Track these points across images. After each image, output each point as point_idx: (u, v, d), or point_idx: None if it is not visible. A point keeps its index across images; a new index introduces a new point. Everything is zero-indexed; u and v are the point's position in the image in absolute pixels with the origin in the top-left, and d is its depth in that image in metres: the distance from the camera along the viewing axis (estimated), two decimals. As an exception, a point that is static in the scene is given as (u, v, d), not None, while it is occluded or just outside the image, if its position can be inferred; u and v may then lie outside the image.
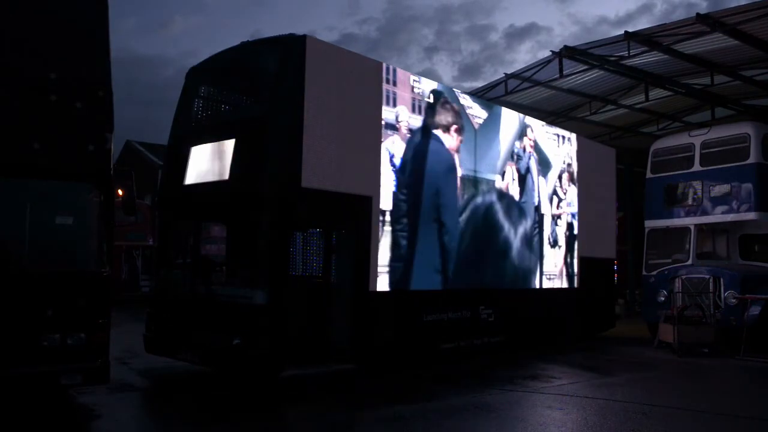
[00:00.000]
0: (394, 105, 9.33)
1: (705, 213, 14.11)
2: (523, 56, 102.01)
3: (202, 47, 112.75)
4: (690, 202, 14.42)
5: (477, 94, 15.10)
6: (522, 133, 11.94)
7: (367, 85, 9.06)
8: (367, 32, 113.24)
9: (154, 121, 77.89)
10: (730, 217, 13.81)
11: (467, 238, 10.42)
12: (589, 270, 13.62)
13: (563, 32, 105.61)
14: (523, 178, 11.85)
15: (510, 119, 11.74)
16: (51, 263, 6.51)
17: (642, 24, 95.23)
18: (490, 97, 15.66)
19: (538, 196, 12.25)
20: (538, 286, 12.19)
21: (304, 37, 8.26)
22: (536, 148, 12.28)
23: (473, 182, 10.61)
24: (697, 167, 14.42)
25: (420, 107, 9.79)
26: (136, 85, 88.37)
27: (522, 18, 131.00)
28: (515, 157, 11.65)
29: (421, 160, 9.69)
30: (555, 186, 12.76)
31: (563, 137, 13.26)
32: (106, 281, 6.64)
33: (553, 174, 12.73)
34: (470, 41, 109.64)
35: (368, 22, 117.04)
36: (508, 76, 16.07)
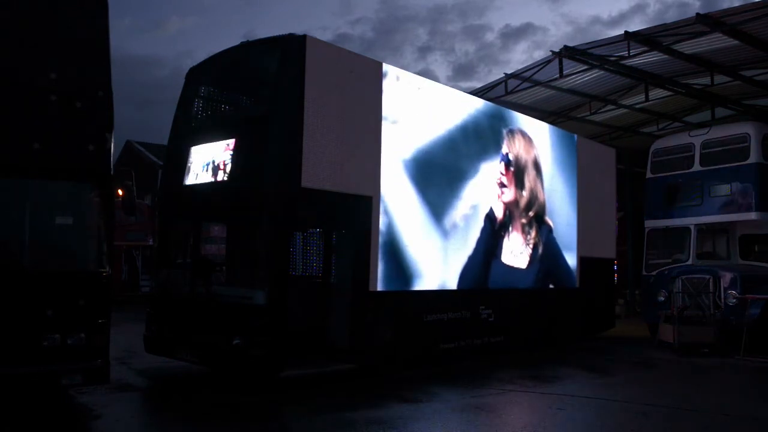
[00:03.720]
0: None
1: (705, 213, 14.10)
2: (518, 56, 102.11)
3: (197, 47, 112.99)
4: (690, 202, 14.42)
5: (477, 94, 15.10)
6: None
7: (367, 84, 9.06)
8: (361, 32, 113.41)
9: (150, 121, 78.05)
10: (730, 217, 13.81)
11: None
12: (589, 270, 13.62)
13: (557, 32, 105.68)
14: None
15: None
16: (51, 263, 6.50)
17: (635, 24, 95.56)
18: (490, 97, 15.65)
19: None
20: (537, 286, 12.18)
21: (303, 36, 8.25)
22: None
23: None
24: (697, 167, 14.42)
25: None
26: (132, 85, 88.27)
27: (514, 18, 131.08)
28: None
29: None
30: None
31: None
32: (106, 281, 6.64)
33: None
34: (465, 41, 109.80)
35: (362, 22, 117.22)
36: (508, 76, 16.06)
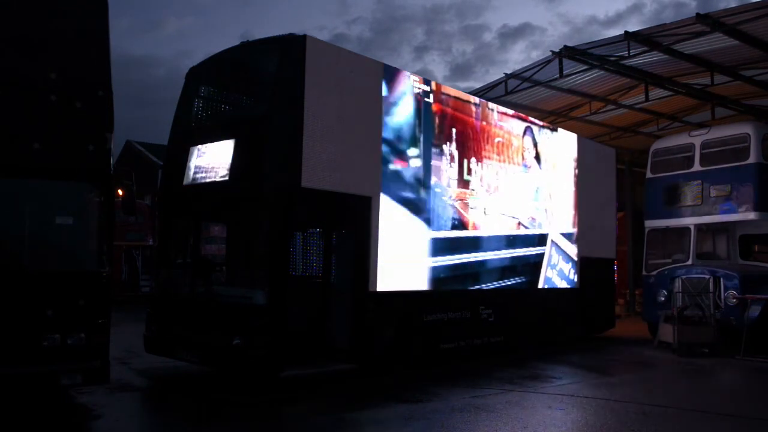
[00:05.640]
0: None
1: (705, 213, 14.09)
2: (515, 56, 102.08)
3: (195, 48, 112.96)
4: (690, 202, 14.41)
5: (477, 94, 15.09)
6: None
7: (367, 84, 9.05)
8: (358, 32, 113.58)
9: (150, 121, 78.01)
10: (730, 217, 13.81)
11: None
12: (589, 270, 13.62)
13: (554, 32, 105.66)
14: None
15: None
16: (51, 263, 6.50)
17: (632, 24, 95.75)
18: (490, 97, 15.64)
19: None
20: (537, 286, 12.18)
21: (303, 36, 8.25)
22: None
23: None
24: (697, 167, 14.41)
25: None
26: (131, 85, 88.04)
27: (512, 18, 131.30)
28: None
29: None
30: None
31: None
32: (106, 281, 6.64)
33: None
34: (462, 41, 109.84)
35: (359, 22, 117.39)
36: (508, 76, 16.06)
